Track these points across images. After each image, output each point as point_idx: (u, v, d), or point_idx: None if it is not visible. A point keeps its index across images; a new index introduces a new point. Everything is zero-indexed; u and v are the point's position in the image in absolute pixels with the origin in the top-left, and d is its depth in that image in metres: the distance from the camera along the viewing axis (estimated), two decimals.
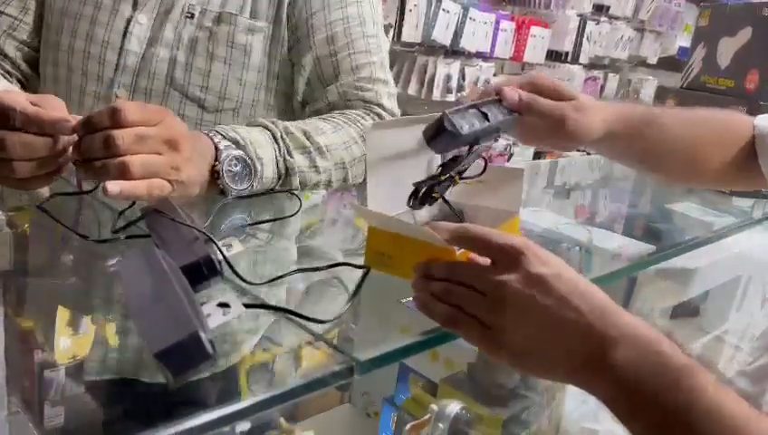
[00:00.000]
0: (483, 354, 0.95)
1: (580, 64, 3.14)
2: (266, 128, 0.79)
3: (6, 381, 0.53)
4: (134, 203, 0.68)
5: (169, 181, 0.63)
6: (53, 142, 0.60)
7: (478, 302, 0.45)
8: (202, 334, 0.36)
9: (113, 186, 0.58)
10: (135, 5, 0.88)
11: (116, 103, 0.61)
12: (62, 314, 0.62)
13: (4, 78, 0.91)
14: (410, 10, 2.14)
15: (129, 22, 0.87)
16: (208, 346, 0.36)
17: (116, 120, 0.59)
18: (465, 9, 2.33)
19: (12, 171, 0.60)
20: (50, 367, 0.66)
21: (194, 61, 0.87)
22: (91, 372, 0.55)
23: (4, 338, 0.54)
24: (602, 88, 3.41)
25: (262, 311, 0.53)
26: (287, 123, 0.81)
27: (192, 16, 0.87)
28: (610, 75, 3.46)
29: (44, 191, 0.74)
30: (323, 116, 0.87)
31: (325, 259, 0.67)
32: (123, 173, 0.59)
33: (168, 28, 0.87)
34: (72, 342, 0.57)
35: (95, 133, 0.59)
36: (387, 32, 2.13)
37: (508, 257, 0.45)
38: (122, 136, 0.59)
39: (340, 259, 0.69)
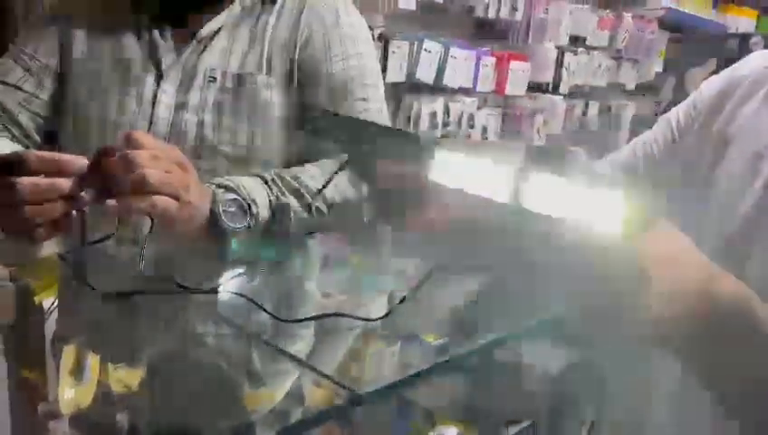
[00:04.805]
0: (478, 383, 0.97)
1: (561, 94, 3.22)
2: (257, 175, 0.84)
3: (11, 432, 0.55)
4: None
5: (179, 200, 0.68)
6: (62, 184, 0.64)
7: None
8: None
9: (110, 202, 0.63)
10: (159, 76, 0.93)
11: (128, 131, 0.66)
12: (66, 365, 0.65)
13: (17, 143, 0.95)
14: (393, 52, 2.21)
15: (156, 91, 0.92)
16: None
17: (131, 143, 0.65)
18: (446, 48, 2.40)
19: (22, 216, 0.63)
20: (54, 418, 0.68)
21: (221, 120, 0.93)
22: (93, 421, 0.57)
23: (7, 390, 0.57)
24: (584, 114, 3.49)
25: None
26: (278, 170, 0.86)
27: (214, 80, 0.94)
28: (591, 103, 3.54)
29: (50, 246, 0.77)
30: (316, 163, 0.92)
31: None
32: (142, 185, 0.64)
33: (194, 93, 0.93)
34: (75, 392, 0.59)
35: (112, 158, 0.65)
36: None
37: None
38: (139, 154, 0.64)
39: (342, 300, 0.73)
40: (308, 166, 0.91)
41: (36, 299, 0.88)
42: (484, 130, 2.76)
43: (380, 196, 0.64)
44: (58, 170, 0.64)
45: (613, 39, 3.52)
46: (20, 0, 1.38)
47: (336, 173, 0.81)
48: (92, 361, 0.70)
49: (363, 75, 0.99)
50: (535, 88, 3.09)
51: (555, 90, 3.19)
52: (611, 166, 0.86)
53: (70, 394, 0.60)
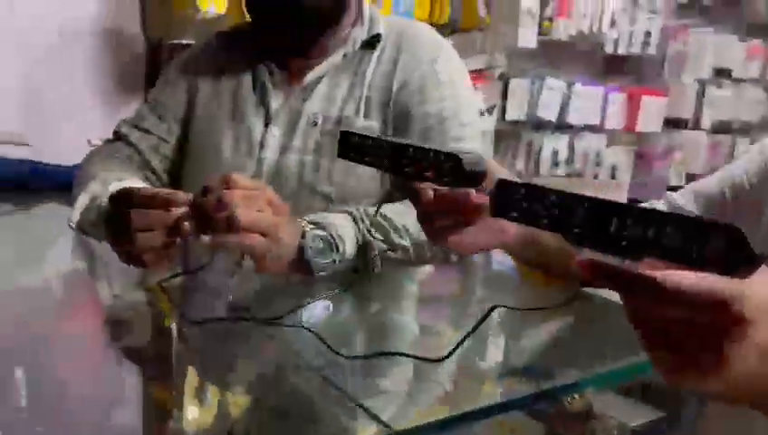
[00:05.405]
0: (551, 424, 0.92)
1: (703, 130, 3.02)
2: (346, 211, 0.88)
3: None
4: None
5: (268, 237, 0.74)
6: (165, 217, 0.73)
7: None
8: None
9: (204, 237, 0.70)
10: (267, 120, 1.03)
11: (226, 173, 0.74)
12: (190, 386, 0.71)
13: (148, 183, 1.07)
14: (513, 90, 2.21)
15: (263, 135, 1.02)
16: None
17: (227, 183, 0.72)
18: (570, 85, 2.36)
19: (132, 245, 0.73)
20: None
21: (320, 161, 1.00)
22: None
23: (141, 409, 0.64)
24: (731, 153, 3.23)
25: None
26: (367, 208, 0.90)
27: (316, 124, 1.01)
28: (739, 139, 3.27)
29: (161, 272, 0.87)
30: (403, 201, 0.95)
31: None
32: (230, 225, 0.71)
33: (297, 136, 1.01)
34: (198, 412, 0.65)
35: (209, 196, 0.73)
36: (491, 112, 2.21)
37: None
38: (231, 194, 0.72)
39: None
40: (396, 204, 0.94)
41: (167, 322, 0.97)
42: (614, 168, 2.65)
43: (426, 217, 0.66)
44: (164, 205, 0.74)
45: (766, 70, 3.25)
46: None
47: (382, 202, 0.84)
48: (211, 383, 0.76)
49: (458, 115, 1.01)
50: (673, 124, 2.93)
51: (696, 125, 3.00)
52: (695, 196, 0.80)
53: (193, 414, 0.66)
